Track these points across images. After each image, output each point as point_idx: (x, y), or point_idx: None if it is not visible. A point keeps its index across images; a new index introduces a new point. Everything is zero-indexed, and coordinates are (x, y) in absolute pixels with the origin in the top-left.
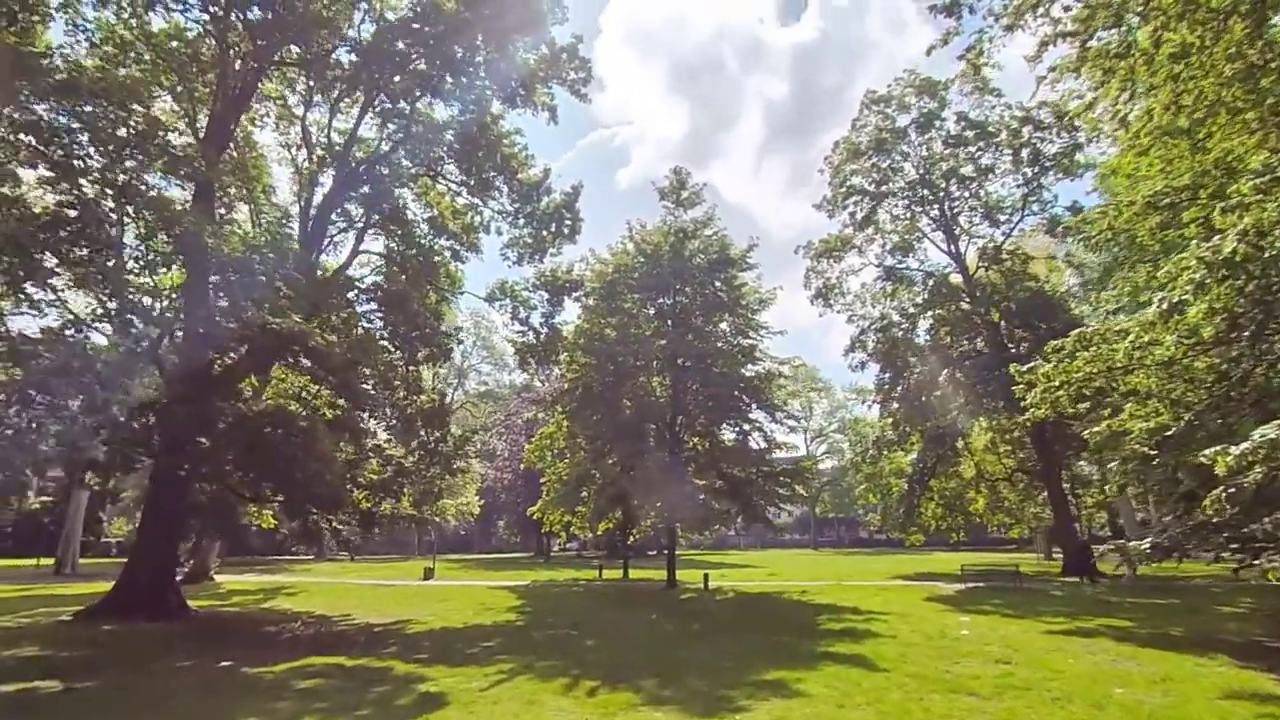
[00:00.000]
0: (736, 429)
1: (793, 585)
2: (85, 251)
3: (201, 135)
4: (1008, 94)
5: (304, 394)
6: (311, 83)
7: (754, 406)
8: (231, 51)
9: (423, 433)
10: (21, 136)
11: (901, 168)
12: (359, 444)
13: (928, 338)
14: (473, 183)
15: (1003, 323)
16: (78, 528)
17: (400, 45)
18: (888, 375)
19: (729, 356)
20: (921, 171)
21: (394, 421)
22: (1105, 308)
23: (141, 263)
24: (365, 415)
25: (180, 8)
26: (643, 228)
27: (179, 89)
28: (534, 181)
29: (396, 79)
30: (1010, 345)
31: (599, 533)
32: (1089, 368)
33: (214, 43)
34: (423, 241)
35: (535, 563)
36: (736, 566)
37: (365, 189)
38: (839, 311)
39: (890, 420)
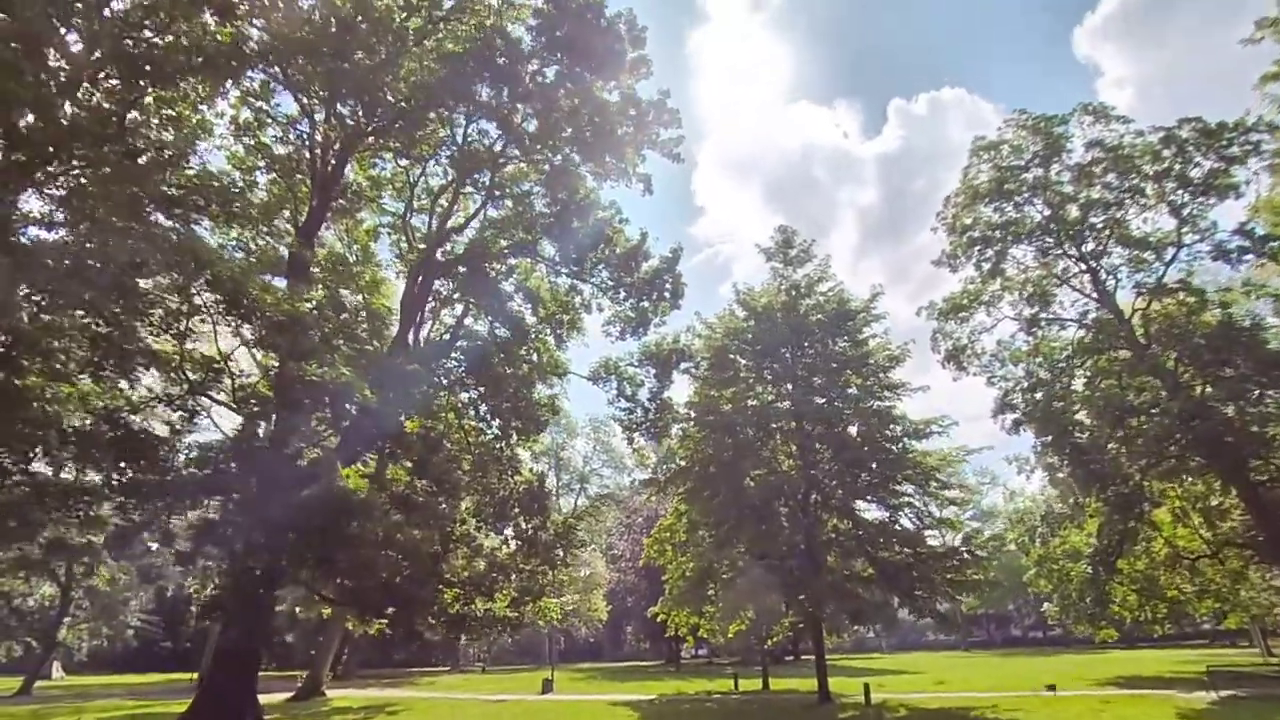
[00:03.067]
0: (882, 505)
1: (977, 698)
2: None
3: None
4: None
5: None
6: (395, 145)
7: (898, 478)
8: (319, 135)
9: (521, 520)
10: None
11: (1026, 209)
12: (443, 532)
13: (1085, 391)
14: (570, 256)
15: (1179, 366)
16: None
17: (465, 70)
18: (1049, 438)
19: (862, 416)
20: (1052, 209)
21: (487, 507)
22: None
23: (165, 313)
24: (449, 500)
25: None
26: (750, 290)
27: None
28: (630, 247)
29: (462, 119)
30: (1196, 389)
31: (730, 635)
32: None
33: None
34: (516, 313)
35: (665, 671)
36: (890, 672)
37: (462, 270)
38: (975, 374)
39: (1058, 491)
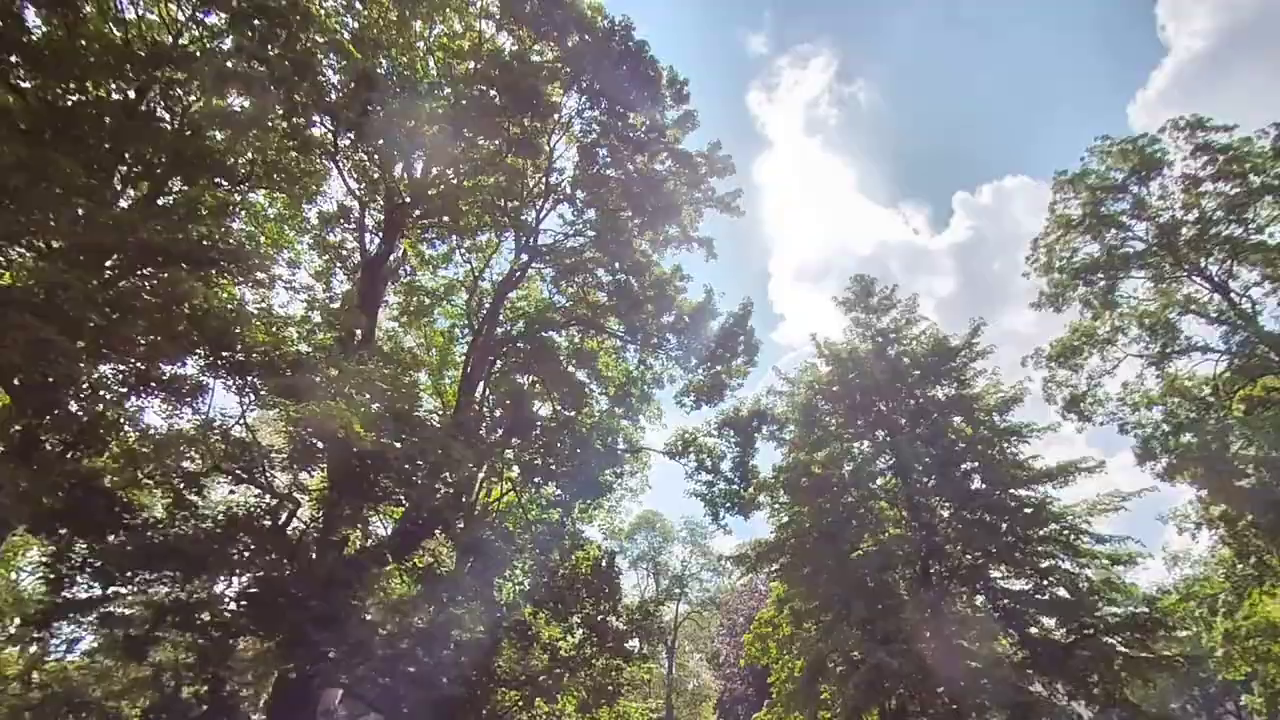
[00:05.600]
0: (1023, 572)
1: None
2: None
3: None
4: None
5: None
6: (439, 214)
7: (1036, 535)
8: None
9: (587, 605)
10: None
11: (1129, 233)
12: (493, 620)
13: (1246, 429)
14: (635, 327)
15: None
16: None
17: (481, 99)
18: (1214, 485)
19: (983, 463)
20: (1160, 230)
21: (543, 587)
22: None
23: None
24: (500, 578)
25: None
26: (830, 341)
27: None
28: (696, 306)
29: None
30: None
31: None
32: None
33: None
34: (577, 382)
35: None
36: None
37: (521, 346)
38: (1102, 423)
39: (1234, 549)
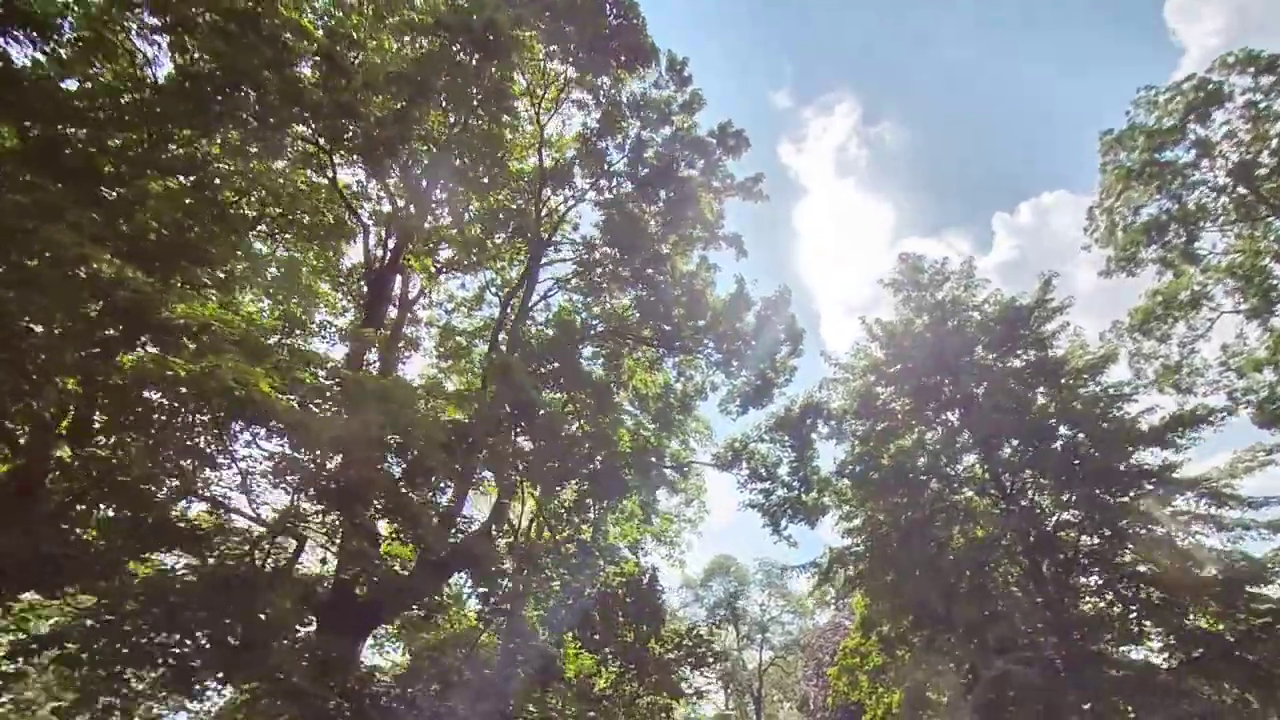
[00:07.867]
0: (1157, 556)
1: None
2: None
3: None
4: None
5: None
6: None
7: (1165, 513)
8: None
9: (626, 631)
10: None
11: (1198, 176)
12: (507, 650)
13: None
14: (669, 336)
15: None
16: None
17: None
18: None
19: (1081, 425)
20: (1234, 169)
21: (570, 610)
22: None
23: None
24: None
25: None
26: (880, 322)
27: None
28: (724, 303)
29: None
30: None
31: None
32: None
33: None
34: (609, 387)
35: None
36: None
37: (554, 365)
38: (1206, 394)
39: None
